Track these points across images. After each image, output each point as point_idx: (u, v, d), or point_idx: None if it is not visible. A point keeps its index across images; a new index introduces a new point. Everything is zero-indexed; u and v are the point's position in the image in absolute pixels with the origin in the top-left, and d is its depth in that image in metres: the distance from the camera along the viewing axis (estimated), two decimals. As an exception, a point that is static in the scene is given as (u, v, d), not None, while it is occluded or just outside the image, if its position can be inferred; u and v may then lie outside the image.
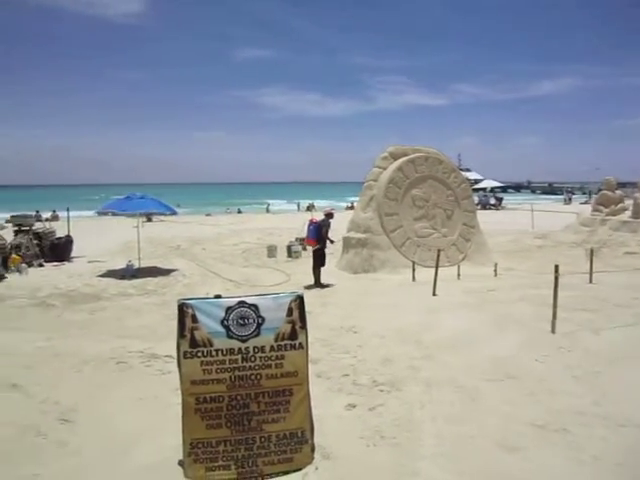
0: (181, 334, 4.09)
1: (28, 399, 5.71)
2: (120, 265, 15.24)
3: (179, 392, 5.77)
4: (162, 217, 28.79)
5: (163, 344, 7.75)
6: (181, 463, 4.26)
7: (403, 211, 14.53)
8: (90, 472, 4.32)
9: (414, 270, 12.95)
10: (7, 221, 16.84)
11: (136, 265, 14.66)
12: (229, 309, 4.11)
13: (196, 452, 4.11)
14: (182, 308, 4.09)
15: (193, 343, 4.07)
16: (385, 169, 15.04)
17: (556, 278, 8.12)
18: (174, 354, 7.05)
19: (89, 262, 16.67)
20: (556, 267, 8.22)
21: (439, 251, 12.27)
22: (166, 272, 14.57)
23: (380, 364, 6.79)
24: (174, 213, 15.32)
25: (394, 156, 15.24)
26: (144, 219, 20.45)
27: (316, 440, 4.45)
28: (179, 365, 4.15)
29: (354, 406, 5.56)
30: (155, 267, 15.31)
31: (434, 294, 10.89)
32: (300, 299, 4.24)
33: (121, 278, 13.64)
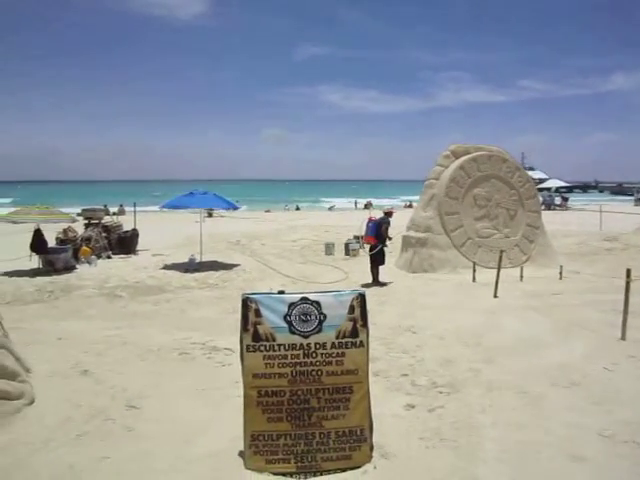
0: (244, 328, 4.17)
1: (98, 385, 5.97)
2: (182, 259, 15.69)
3: (239, 384, 5.90)
4: (222, 212, 29.41)
5: (223, 337, 7.94)
6: (242, 454, 4.35)
7: (464, 210, 14.25)
8: (156, 457, 4.47)
9: (474, 271, 12.70)
10: (78, 214, 17.62)
11: (198, 259, 15.06)
12: (292, 305, 4.16)
13: (257, 444, 4.18)
14: (246, 302, 4.17)
15: (256, 337, 4.14)
16: (446, 167, 14.79)
17: (627, 283, 7.76)
18: (234, 347, 7.30)
19: (153, 255, 17.25)
20: (628, 271, 7.85)
21: (501, 252, 11.97)
22: (226, 266, 14.88)
23: (439, 365, 6.70)
24: (235, 209, 15.62)
25: (456, 154, 14.96)
26: (205, 214, 20.97)
27: (375, 439, 4.44)
28: (242, 358, 4.24)
29: (413, 406, 5.51)
30: (216, 261, 15.67)
31: (495, 296, 10.64)
32: (362, 297, 4.24)
33: (184, 271, 14.03)
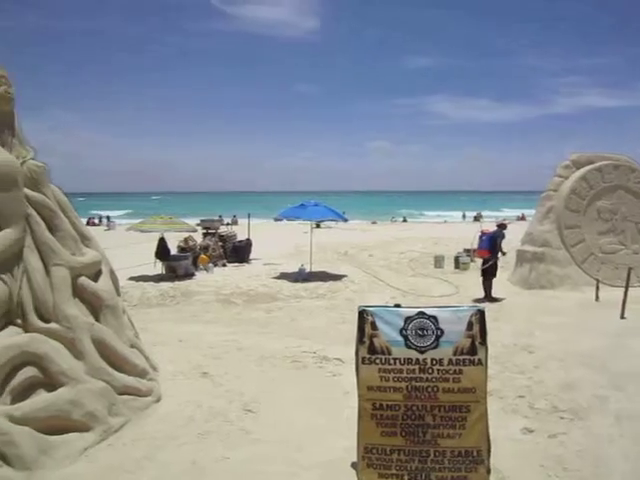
0: (360, 340, 4.20)
1: (216, 387, 6.28)
2: (293, 268, 16.10)
3: (350, 395, 5.96)
4: (330, 224, 29.81)
5: (333, 347, 8.03)
6: (354, 465, 4.36)
7: (586, 224, 13.37)
8: (271, 461, 4.62)
9: (598, 289, 11.84)
10: (197, 224, 18.73)
11: (308, 269, 15.39)
12: (408, 319, 4.13)
13: (370, 457, 4.18)
14: (362, 315, 4.19)
15: (372, 350, 4.15)
16: (566, 178, 13.97)
17: None
18: (344, 357, 7.38)
19: (265, 264, 17.87)
20: None
21: (629, 269, 11.06)
22: (335, 277, 15.07)
23: (560, 389, 6.31)
24: (345, 220, 15.82)
25: (577, 164, 14.10)
26: (313, 225, 21.45)
27: (492, 462, 4.27)
28: (357, 370, 4.26)
29: (531, 431, 5.24)
30: (325, 272, 15.92)
31: (622, 317, 9.83)
32: (481, 314, 4.13)
33: (294, 281, 14.40)
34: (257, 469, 4.50)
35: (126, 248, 18.17)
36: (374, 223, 44.15)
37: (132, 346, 5.83)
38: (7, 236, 4.99)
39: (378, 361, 4.15)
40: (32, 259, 5.15)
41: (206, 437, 5.01)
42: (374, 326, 4.15)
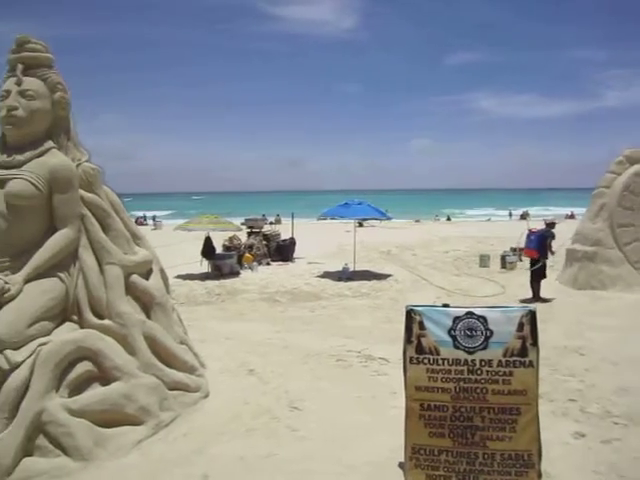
0: (408, 340, 4.18)
1: (263, 384, 6.36)
2: (336, 267, 16.13)
3: (396, 396, 5.94)
4: (373, 222, 29.71)
5: (378, 346, 8.01)
6: (401, 465, 4.35)
7: (641, 222, 12.88)
8: (318, 459, 4.65)
9: (653, 290, 11.40)
10: (242, 223, 18.99)
11: (351, 268, 15.38)
12: (457, 319, 4.08)
13: (417, 457, 4.16)
14: (410, 314, 4.17)
15: (419, 349, 4.13)
16: (619, 175, 13.49)
17: None
18: (388, 357, 7.36)
19: (308, 263, 17.97)
20: None
21: (687, 270, 10.61)
22: (379, 276, 15.02)
23: (613, 393, 6.12)
24: (388, 219, 15.73)
25: (631, 160, 13.58)
26: (356, 224, 21.37)
27: (542, 466, 4.18)
28: (405, 369, 4.25)
29: (583, 435, 5.10)
30: (368, 271, 15.88)
31: (679, 319, 9.45)
32: (532, 314, 4.04)
33: (338, 280, 14.43)
34: (304, 467, 4.54)
35: (173, 247, 18.57)
36: (417, 222, 43.72)
37: (181, 343, 5.97)
38: (64, 236, 5.19)
39: (426, 361, 4.12)
40: (87, 258, 5.34)
41: (253, 433, 5.08)
42: (422, 326, 4.13)
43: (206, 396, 5.80)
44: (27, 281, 4.93)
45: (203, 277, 15.09)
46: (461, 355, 4.07)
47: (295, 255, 19.12)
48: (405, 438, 4.25)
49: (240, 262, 16.47)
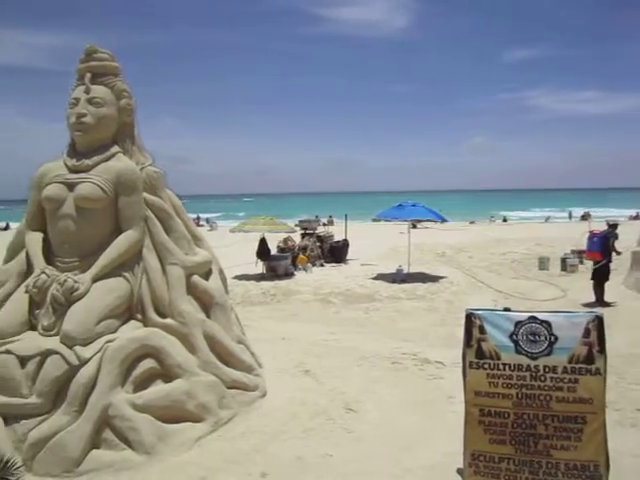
0: (468, 343, 4.11)
1: (319, 385, 6.40)
2: (390, 269, 16.01)
3: (453, 400, 5.87)
4: (426, 224, 29.31)
5: (434, 350, 7.91)
6: (460, 471, 4.28)
7: None
8: (374, 461, 4.64)
9: None
10: (296, 225, 19.13)
11: (405, 270, 15.24)
12: (519, 323, 3.98)
13: (477, 464, 4.08)
14: (470, 318, 4.10)
15: (479, 354, 4.05)
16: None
17: None
18: (445, 361, 7.25)
19: (362, 265, 17.91)
20: None
21: None
22: (434, 278, 14.81)
23: (686, 404, 5.81)
24: (444, 221, 15.47)
25: None
26: (410, 225, 21.09)
27: (610, 478, 4.01)
28: (464, 374, 4.18)
29: (654, 447, 4.86)
30: (423, 273, 15.69)
31: None
32: (599, 320, 3.89)
33: (392, 282, 14.32)
34: (360, 468, 4.54)
35: (228, 248, 18.89)
36: (472, 223, 42.79)
37: (239, 342, 6.07)
38: (129, 237, 5.39)
39: (486, 366, 4.04)
40: (150, 259, 5.52)
41: (310, 434, 5.12)
42: (482, 330, 4.05)
43: (263, 395, 5.89)
44: (95, 280, 5.15)
45: (258, 278, 15.31)
46: (523, 360, 3.97)
47: (348, 257, 19.11)
48: (464, 444, 4.17)
49: (294, 263, 16.61)
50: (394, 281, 14.34)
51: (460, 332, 8.54)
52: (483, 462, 4.07)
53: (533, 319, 3.97)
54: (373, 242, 24.58)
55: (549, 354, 3.93)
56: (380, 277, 15.16)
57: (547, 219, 48.20)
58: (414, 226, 33.18)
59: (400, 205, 15.48)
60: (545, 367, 3.93)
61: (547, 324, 3.93)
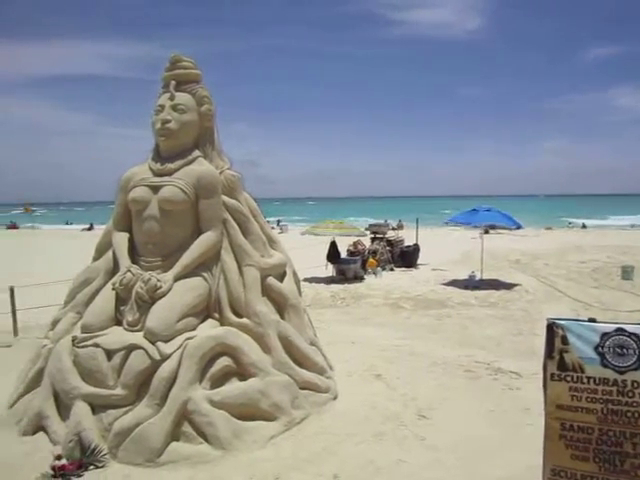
0: (549, 354, 3.96)
1: (390, 390, 6.36)
2: (462, 275, 15.70)
3: (530, 412, 5.69)
4: (499, 230, 28.50)
5: (508, 359, 7.68)
6: (538, 486, 4.13)
7: None
8: (447, 470, 4.57)
9: None
10: (366, 229, 19.11)
11: (478, 276, 14.88)
12: (605, 335, 3.79)
13: (557, 480, 3.92)
14: (552, 327, 3.95)
15: (562, 366, 3.89)
16: None
17: None
18: (520, 371, 7.04)
19: (433, 270, 17.66)
20: None
21: None
22: (508, 286, 14.38)
23: None
24: (519, 227, 14.96)
25: None
26: (482, 231, 20.55)
27: None
28: (544, 386, 4.03)
29: None
30: (496, 280, 15.26)
31: None
32: (695, 334, 3.64)
33: (464, 288, 14.03)
34: (433, 477, 4.48)
35: (298, 250, 19.10)
36: (548, 229, 41.17)
37: (312, 344, 6.14)
38: (208, 238, 5.59)
39: (569, 378, 3.87)
40: (228, 260, 5.70)
41: (382, 438, 5.10)
42: (565, 340, 3.88)
43: (335, 397, 5.92)
44: (176, 279, 5.37)
45: (328, 281, 15.41)
46: (610, 374, 3.77)
47: (419, 261, 18.89)
48: (544, 458, 4.02)
49: (364, 267, 16.60)
50: (466, 287, 14.04)
51: (536, 342, 8.33)
52: (564, 478, 3.89)
53: (621, 331, 3.77)
54: (444, 247, 24.18)
55: (637, 369, 3.71)
56: (452, 283, 14.88)
57: (632, 226, 45.56)
58: (487, 231, 32.40)
59: (474, 210, 15.12)
60: (634, 382, 3.72)
61: (636, 337, 3.72)
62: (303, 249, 19.72)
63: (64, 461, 4.53)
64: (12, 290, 9.86)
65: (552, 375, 3.95)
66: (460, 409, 5.85)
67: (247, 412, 5.09)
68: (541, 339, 7.61)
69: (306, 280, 15.21)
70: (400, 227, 35.95)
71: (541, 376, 4.05)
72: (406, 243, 19.54)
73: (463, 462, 4.69)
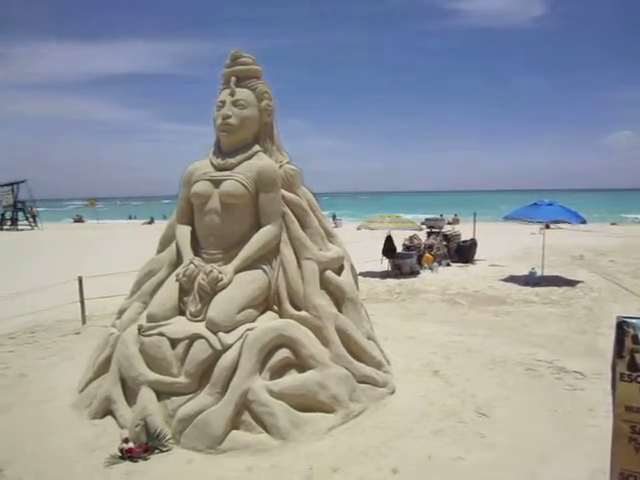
0: (619, 354, 3.81)
1: (448, 387, 6.28)
2: (520, 271, 15.28)
3: (594, 413, 5.52)
4: (560, 225, 27.53)
5: (572, 359, 7.44)
6: (605, 490, 3.99)
7: None
8: (508, 470, 4.48)
9: None
10: (422, 223, 18.86)
11: (538, 273, 14.45)
12: (680, 335, 3.62)
13: (626, 484, 3.77)
14: (622, 326, 3.79)
15: (633, 366, 3.74)
16: None
17: None
18: (584, 371, 6.81)
19: (490, 265, 17.27)
20: None
21: None
22: (570, 283, 13.89)
23: None
24: (583, 222, 14.38)
25: None
26: (542, 226, 19.88)
27: None
28: (613, 387, 3.88)
29: None
30: (558, 276, 14.77)
31: None
32: None
33: (523, 284, 13.66)
34: (493, 476, 4.41)
35: (353, 244, 19.10)
36: (614, 224, 39.44)
37: (369, 338, 6.14)
38: (268, 232, 5.68)
39: (640, 379, 3.72)
40: (287, 253, 5.77)
41: (441, 434, 5.05)
42: (636, 340, 3.72)
43: (392, 392, 5.90)
44: (237, 272, 5.49)
45: (383, 275, 15.34)
46: (684, 376, 3.60)
47: (476, 257, 18.51)
48: (612, 461, 3.88)
49: (420, 262, 16.42)
50: (526, 284, 13.66)
51: (601, 342, 8.04)
52: (633, 483, 3.76)
53: (698, 331, 3.59)
54: (502, 242, 23.60)
55: None
56: (511, 279, 14.51)
57: None
58: (547, 226, 31.36)
59: (535, 204, 14.63)
60: None
61: None
62: (358, 243, 19.74)
63: (131, 444, 4.73)
64: (80, 280, 10.34)
65: (622, 375, 3.80)
66: (521, 408, 5.71)
67: (305, 403, 5.14)
68: (606, 338, 7.40)
69: (361, 274, 15.14)
70: (456, 221, 35.30)
71: (606, 376, 3.92)
72: (463, 238, 19.17)
73: (523, 463, 4.58)
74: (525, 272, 14.71)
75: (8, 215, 44.08)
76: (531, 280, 13.89)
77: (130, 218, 57.71)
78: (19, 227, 42.77)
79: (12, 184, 44.45)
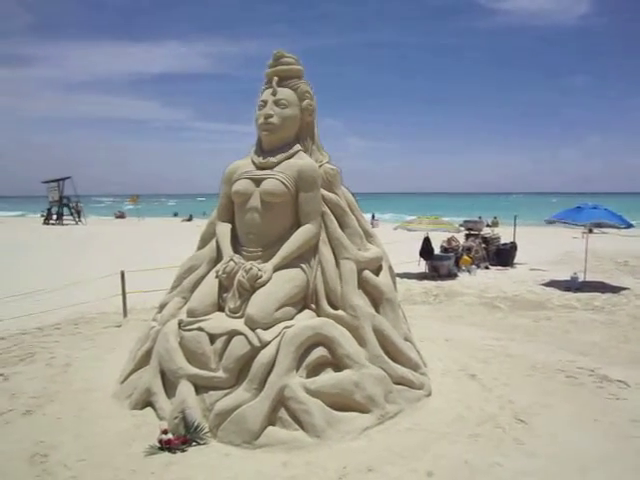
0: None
1: (485, 391, 6.18)
2: (562, 276, 14.94)
3: (638, 424, 5.33)
4: (604, 229, 26.73)
5: (615, 367, 7.23)
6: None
7: None
8: (546, 478, 4.38)
9: None
10: (460, 225, 18.63)
11: (581, 278, 14.09)
12: None
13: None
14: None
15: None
16: None
17: None
18: (629, 381, 6.61)
19: (530, 270, 16.94)
20: None
21: None
22: (614, 289, 13.49)
23: None
24: (629, 226, 13.93)
25: None
26: (586, 230, 19.34)
27: None
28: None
29: None
30: (601, 282, 14.38)
31: None
32: None
33: (565, 289, 13.34)
34: (532, 483, 4.32)
35: (390, 245, 18.98)
36: (662, 230, 38.02)
37: (406, 339, 6.11)
38: (308, 231, 5.71)
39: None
40: (325, 252, 5.79)
41: (477, 439, 4.98)
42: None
43: (429, 395, 5.86)
44: (276, 270, 5.54)
45: (420, 277, 15.22)
46: None
47: (516, 260, 18.17)
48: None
49: (457, 264, 16.23)
50: (568, 289, 13.34)
51: (647, 350, 7.75)
52: (680, 497, 3.64)
53: None
54: (543, 246, 23.12)
55: None
56: (551, 284, 14.20)
57: None
58: (590, 230, 30.48)
59: (579, 207, 14.26)
60: None
61: None
62: (395, 244, 19.63)
63: (170, 435, 4.83)
64: (123, 274, 10.60)
65: (670, 386, 3.68)
66: (561, 416, 5.58)
67: (341, 402, 5.15)
68: (653, 347, 7.05)
69: (398, 275, 15.03)
70: (495, 224, 34.72)
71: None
72: (502, 241, 18.84)
73: (563, 473, 4.47)
74: (567, 277, 14.37)
75: (54, 210, 45.57)
76: (573, 285, 13.55)
77: (175, 215, 58.87)
78: (64, 222, 44.15)
79: (58, 180, 45.94)
